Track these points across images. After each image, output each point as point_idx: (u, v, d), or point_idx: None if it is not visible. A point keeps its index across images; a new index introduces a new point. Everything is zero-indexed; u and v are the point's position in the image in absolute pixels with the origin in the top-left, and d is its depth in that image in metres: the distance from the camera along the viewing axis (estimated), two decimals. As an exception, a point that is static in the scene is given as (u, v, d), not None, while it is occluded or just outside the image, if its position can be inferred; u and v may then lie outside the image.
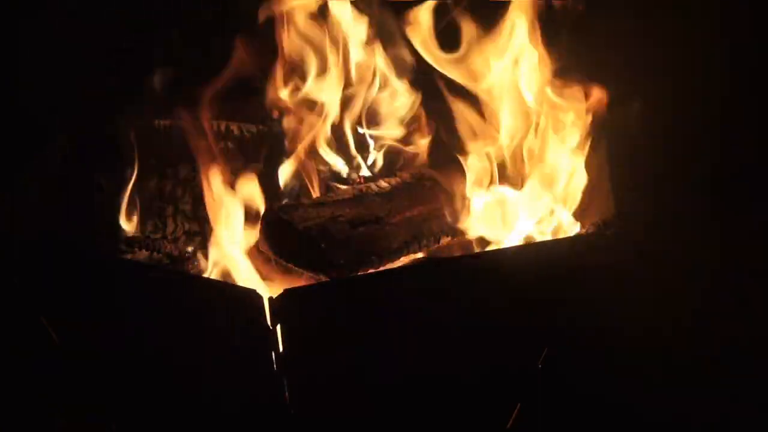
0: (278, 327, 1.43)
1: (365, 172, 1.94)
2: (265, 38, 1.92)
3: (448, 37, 1.87)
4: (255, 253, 1.74)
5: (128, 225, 1.88)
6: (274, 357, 1.45)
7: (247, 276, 1.68)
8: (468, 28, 1.84)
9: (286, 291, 1.44)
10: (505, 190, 1.82)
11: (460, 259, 1.71)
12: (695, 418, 1.80)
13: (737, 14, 1.98)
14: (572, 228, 1.80)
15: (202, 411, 1.58)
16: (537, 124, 1.84)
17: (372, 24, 1.90)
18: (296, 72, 1.90)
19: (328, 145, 1.91)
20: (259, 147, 1.98)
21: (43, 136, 1.91)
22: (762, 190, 2.02)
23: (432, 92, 1.92)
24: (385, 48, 1.91)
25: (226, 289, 1.57)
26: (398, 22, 1.88)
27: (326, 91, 1.89)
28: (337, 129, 1.93)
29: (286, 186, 1.89)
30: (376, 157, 1.96)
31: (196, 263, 1.84)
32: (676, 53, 1.91)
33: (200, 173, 1.78)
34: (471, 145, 1.85)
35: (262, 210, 1.75)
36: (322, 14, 1.88)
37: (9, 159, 1.91)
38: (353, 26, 1.89)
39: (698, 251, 2.00)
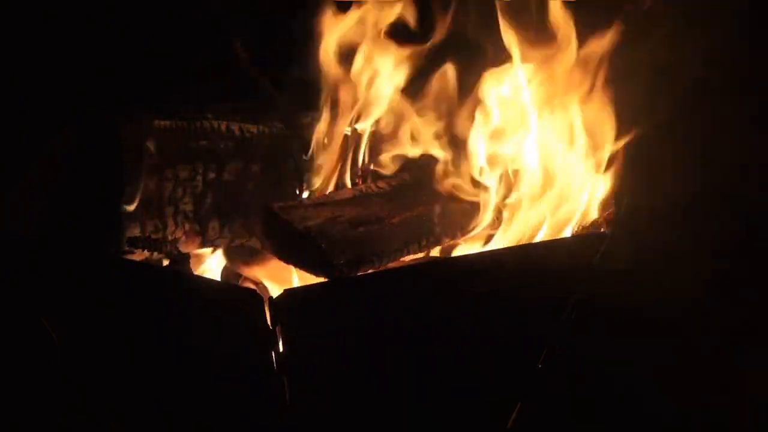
0: (278, 327, 1.43)
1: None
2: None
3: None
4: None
5: (129, 225, 1.88)
6: (274, 357, 1.45)
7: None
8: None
9: (286, 291, 1.44)
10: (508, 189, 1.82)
11: (461, 259, 1.71)
12: (696, 413, 1.81)
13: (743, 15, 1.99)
14: (572, 228, 1.80)
15: (202, 411, 1.58)
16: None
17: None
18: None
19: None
20: (261, 147, 1.98)
21: (43, 136, 1.91)
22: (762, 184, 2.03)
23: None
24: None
25: (226, 289, 1.57)
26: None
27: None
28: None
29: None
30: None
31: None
32: (677, 53, 1.91)
33: None
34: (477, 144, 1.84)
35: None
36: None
37: (9, 159, 1.91)
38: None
39: (699, 249, 2.00)
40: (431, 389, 1.59)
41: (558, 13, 1.76)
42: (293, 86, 1.97)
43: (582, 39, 1.76)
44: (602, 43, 1.75)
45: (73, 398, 1.71)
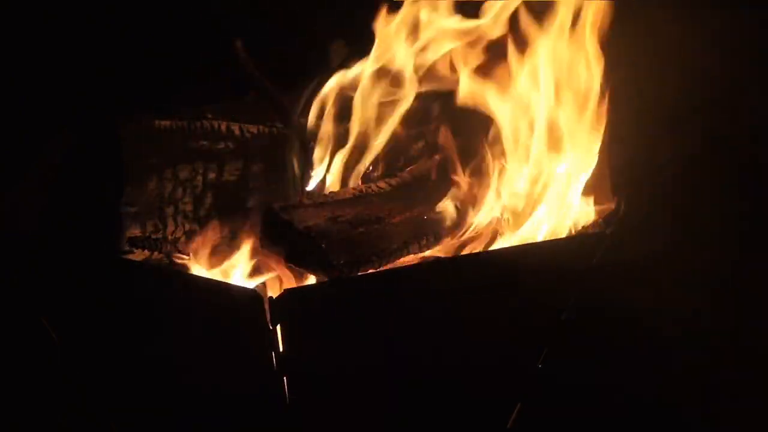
0: (278, 327, 1.43)
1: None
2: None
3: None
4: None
5: (129, 225, 1.88)
6: (274, 357, 1.45)
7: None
8: None
9: (286, 291, 1.44)
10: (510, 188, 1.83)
11: (461, 259, 1.71)
12: (697, 414, 1.81)
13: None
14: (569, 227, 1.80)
15: (202, 411, 1.58)
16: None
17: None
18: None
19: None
20: (261, 147, 1.98)
21: (43, 136, 1.91)
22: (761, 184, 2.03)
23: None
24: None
25: (226, 289, 1.57)
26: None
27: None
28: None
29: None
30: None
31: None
32: (676, 51, 1.91)
33: None
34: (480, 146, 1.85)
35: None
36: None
37: (9, 159, 1.91)
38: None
39: (699, 249, 1.99)
40: (431, 389, 1.59)
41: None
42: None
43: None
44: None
45: (73, 398, 1.71)
